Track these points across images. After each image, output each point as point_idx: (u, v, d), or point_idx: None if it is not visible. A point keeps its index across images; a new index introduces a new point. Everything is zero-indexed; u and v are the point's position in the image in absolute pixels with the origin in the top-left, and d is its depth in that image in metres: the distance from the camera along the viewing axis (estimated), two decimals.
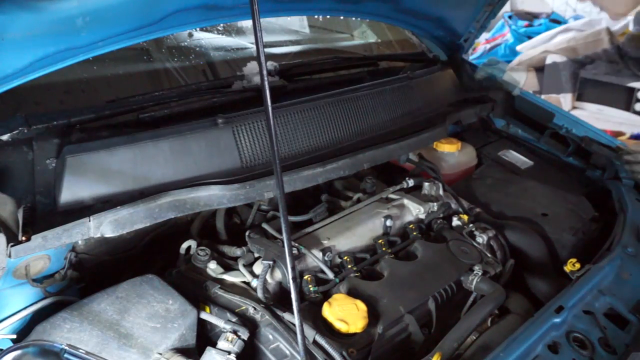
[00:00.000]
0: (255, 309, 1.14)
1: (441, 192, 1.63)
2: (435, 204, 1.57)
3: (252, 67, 1.64)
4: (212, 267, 1.26)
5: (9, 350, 0.91)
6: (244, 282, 1.25)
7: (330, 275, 1.27)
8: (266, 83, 0.90)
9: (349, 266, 1.31)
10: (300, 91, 1.58)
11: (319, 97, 1.54)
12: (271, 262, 1.22)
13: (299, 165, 1.38)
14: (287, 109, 1.45)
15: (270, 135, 0.92)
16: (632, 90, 3.99)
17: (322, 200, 1.57)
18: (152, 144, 1.24)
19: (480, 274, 1.32)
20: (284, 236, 0.96)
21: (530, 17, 6.11)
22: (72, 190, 1.14)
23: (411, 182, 1.64)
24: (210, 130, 1.32)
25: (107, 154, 1.19)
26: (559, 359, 1.12)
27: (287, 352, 1.08)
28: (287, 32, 2.33)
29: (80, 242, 1.23)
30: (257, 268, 1.26)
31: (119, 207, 1.11)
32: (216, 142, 1.31)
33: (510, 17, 6.04)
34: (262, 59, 0.89)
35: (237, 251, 1.33)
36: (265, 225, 1.39)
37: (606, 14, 5.85)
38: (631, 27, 1.93)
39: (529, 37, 5.49)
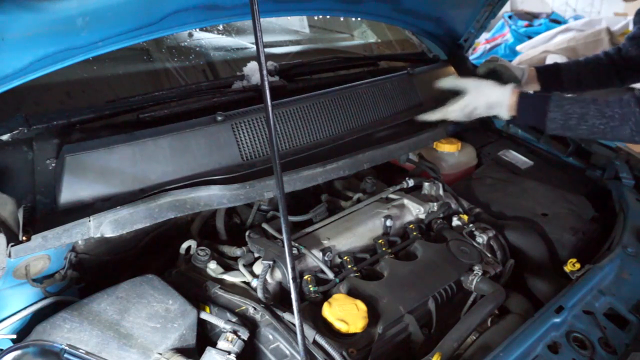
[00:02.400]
0: (255, 309, 1.14)
1: (441, 192, 1.63)
2: (435, 204, 1.57)
3: (252, 67, 1.64)
4: (212, 267, 1.26)
5: (9, 350, 0.91)
6: (244, 282, 1.25)
7: (330, 275, 1.27)
8: (266, 83, 0.90)
9: (349, 266, 1.31)
10: (300, 91, 1.58)
11: (318, 93, 1.54)
12: (271, 262, 1.22)
13: (299, 161, 1.38)
14: (286, 105, 1.45)
15: (271, 135, 0.92)
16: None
17: (322, 200, 1.57)
18: (152, 142, 1.25)
19: (480, 274, 1.31)
20: (284, 236, 0.96)
21: (530, 17, 6.12)
22: (72, 190, 1.14)
23: (411, 182, 1.64)
24: (210, 127, 1.33)
25: (106, 152, 1.19)
26: (559, 359, 1.12)
27: (287, 352, 1.08)
28: (287, 32, 2.33)
29: (80, 242, 1.23)
30: (257, 268, 1.26)
31: (118, 207, 1.11)
32: (216, 138, 1.32)
33: (510, 17, 6.04)
34: (262, 59, 0.89)
35: (237, 251, 1.33)
36: (265, 225, 1.39)
37: (606, 14, 5.85)
38: (631, 27, 1.93)
39: (529, 37, 5.50)
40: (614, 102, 1.46)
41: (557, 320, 1.18)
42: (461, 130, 2.15)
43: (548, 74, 1.96)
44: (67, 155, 1.14)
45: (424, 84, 1.86)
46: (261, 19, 0.95)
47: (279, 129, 1.42)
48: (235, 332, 1.07)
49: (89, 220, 1.07)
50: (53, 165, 1.18)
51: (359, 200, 1.58)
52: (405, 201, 1.58)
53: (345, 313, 1.12)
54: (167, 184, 1.22)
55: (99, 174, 1.17)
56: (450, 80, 1.72)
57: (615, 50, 1.86)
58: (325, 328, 1.12)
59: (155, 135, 1.26)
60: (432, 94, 1.87)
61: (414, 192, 1.63)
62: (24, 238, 1.01)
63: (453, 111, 1.65)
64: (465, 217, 1.55)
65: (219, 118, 1.35)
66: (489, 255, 1.45)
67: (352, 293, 1.21)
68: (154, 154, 1.24)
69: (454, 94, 1.69)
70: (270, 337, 1.11)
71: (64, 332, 1.03)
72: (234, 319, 1.11)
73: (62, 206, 1.12)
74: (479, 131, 2.19)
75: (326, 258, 1.30)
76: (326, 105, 1.54)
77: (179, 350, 1.06)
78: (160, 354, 1.04)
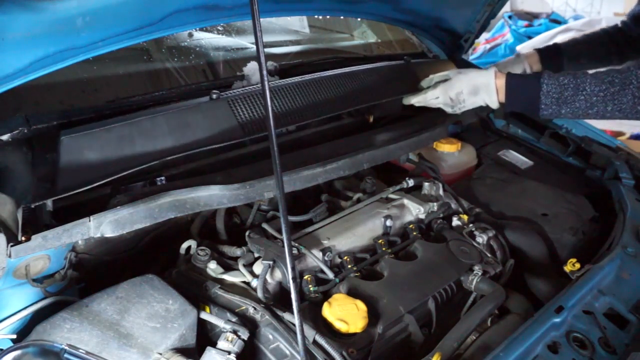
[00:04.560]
0: (255, 309, 1.14)
1: (441, 192, 1.63)
2: (435, 204, 1.57)
3: (252, 67, 1.64)
4: (212, 267, 1.26)
5: (9, 350, 0.91)
6: (244, 282, 1.25)
7: (330, 275, 1.27)
8: (266, 83, 0.90)
9: (349, 266, 1.31)
10: None
11: (314, 77, 1.58)
12: (271, 262, 1.22)
13: (299, 157, 1.40)
14: (283, 85, 1.49)
15: (271, 136, 0.92)
16: None
17: (322, 200, 1.57)
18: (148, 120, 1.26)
19: (480, 274, 1.32)
20: (284, 236, 0.96)
21: (530, 17, 6.12)
22: (70, 171, 1.14)
23: (411, 182, 1.64)
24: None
25: (104, 132, 1.20)
26: (559, 359, 1.12)
27: (287, 352, 1.08)
28: (287, 32, 2.33)
29: (80, 242, 1.23)
30: (257, 268, 1.26)
31: (118, 207, 1.11)
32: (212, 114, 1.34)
33: (510, 17, 6.04)
34: (262, 59, 0.89)
35: (237, 251, 1.33)
36: (265, 225, 1.39)
37: (606, 14, 5.84)
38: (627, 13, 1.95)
39: (529, 37, 5.51)
40: (611, 69, 1.41)
41: (557, 320, 1.18)
42: (461, 131, 2.16)
43: (549, 53, 1.92)
44: (64, 137, 1.14)
45: (422, 72, 1.85)
46: (261, 19, 0.95)
47: (275, 101, 1.43)
48: (235, 332, 1.07)
49: (89, 220, 1.07)
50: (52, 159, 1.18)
51: (359, 200, 1.58)
52: (405, 201, 1.58)
53: (345, 313, 1.12)
54: (166, 155, 1.23)
55: (97, 153, 1.17)
56: (433, 77, 1.67)
57: (614, 29, 1.85)
58: (325, 328, 1.12)
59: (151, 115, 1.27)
60: None
61: (414, 192, 1.63)
62: (24, 238, 1.01)
63: (435, 95, 1.62)
64: (465, 217, 1.55)
65: (214, 96, 1.38)
66: (489, 255, 1.45)
67: (352, 293, 1.21)
68: (151, 131, 1.25)
69: None
70: (270, 337, 1.11)
71: (64, 332, 1.03)
72: (234, 319, 1.11)
73: (61, 190, 1.12)
74: (479, 131, 2.19)
75: (326, 258, 1.30)
76: (324, 83, 1.56)
77: (179, 350, 1.06)
78: (160, 353, 1.04)
